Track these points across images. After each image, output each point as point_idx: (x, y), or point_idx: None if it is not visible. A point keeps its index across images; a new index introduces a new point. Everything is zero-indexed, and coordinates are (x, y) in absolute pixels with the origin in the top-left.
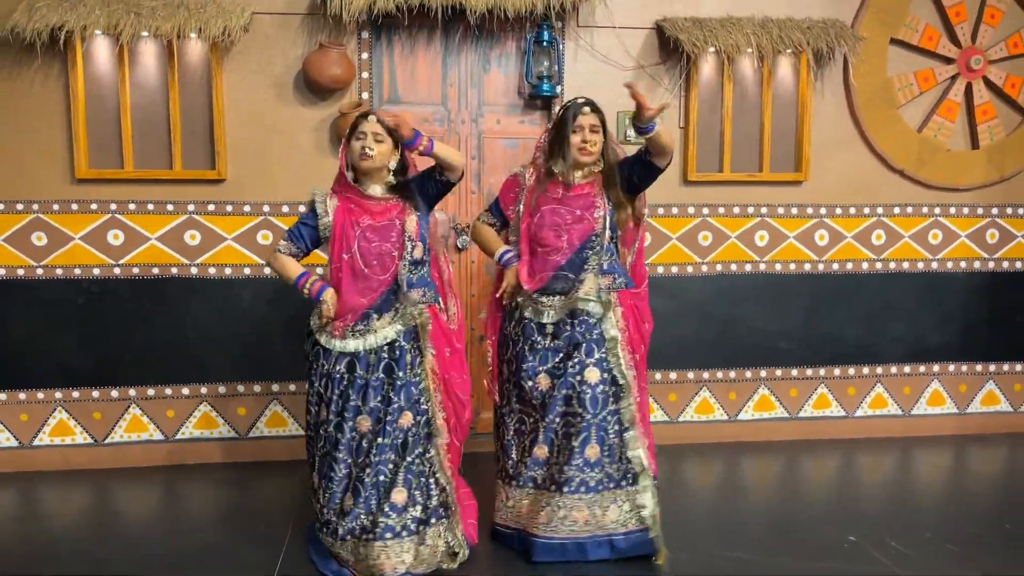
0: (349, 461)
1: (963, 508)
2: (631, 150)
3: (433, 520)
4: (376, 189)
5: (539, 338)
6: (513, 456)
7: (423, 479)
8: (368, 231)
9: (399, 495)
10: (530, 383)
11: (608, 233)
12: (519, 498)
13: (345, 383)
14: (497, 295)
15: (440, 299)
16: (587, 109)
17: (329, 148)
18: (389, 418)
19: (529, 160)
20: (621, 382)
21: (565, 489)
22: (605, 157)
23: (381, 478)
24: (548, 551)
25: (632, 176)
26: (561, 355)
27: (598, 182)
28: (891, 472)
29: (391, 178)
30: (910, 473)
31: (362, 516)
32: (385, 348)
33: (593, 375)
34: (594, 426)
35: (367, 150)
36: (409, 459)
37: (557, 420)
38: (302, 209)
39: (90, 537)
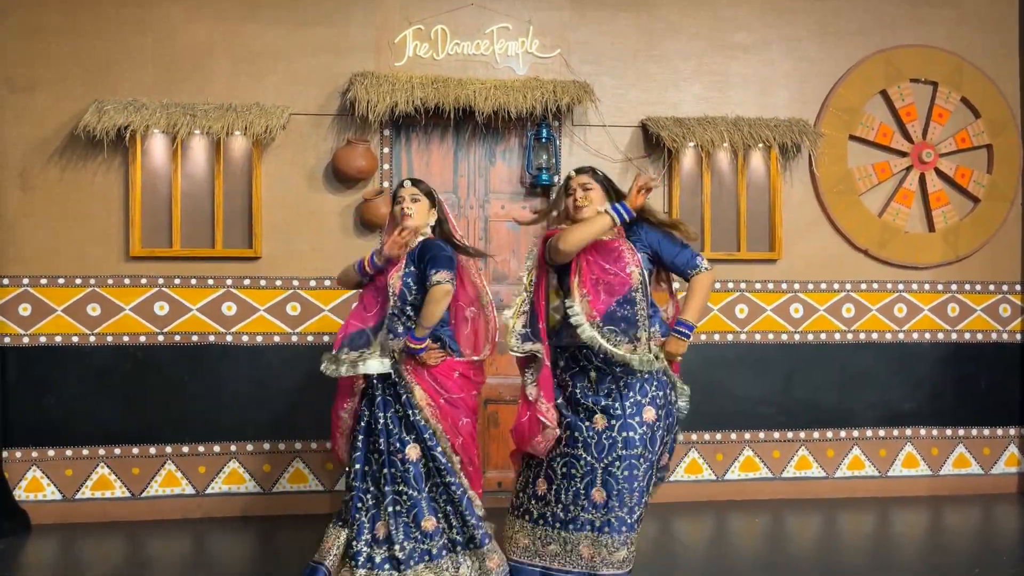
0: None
1: (936, 558)
2: None
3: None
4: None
5: None
6: None
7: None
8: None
9: None
10: None
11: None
12: None
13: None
14: None
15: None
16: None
17: (353, 230)
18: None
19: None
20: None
21: None
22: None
23: None
24: None
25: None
26: None
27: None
28: (869, 529)
29: (427, 231)
30: (887, 530)
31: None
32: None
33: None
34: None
35: (406, 210)
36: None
37: None
38: (328, 283)
39: None
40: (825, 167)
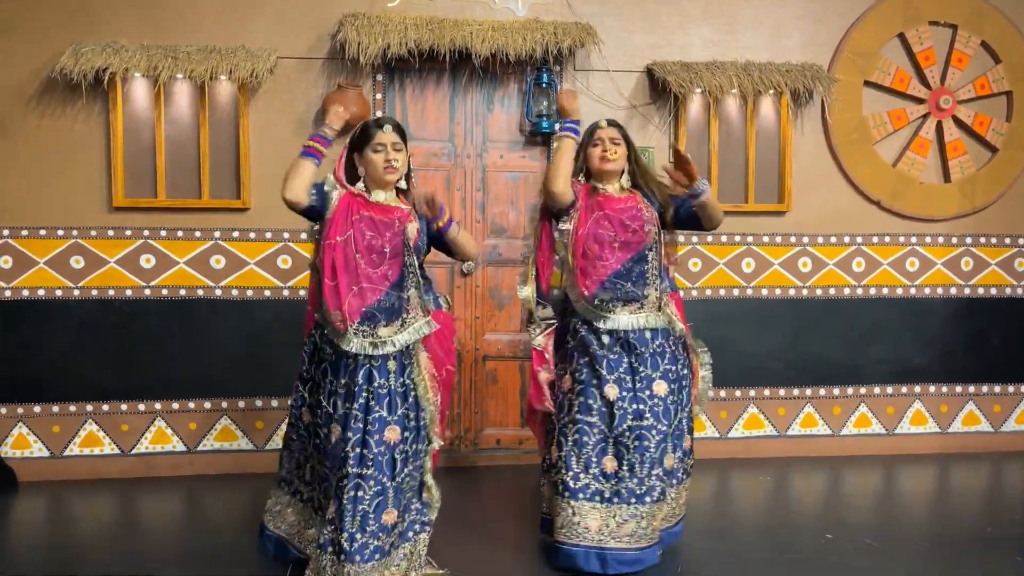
0: None
1: (943, 517)
2: None
3: None
4: (380, 195)
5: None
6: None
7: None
8: (366, 222)
9: None
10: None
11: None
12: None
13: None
14: None
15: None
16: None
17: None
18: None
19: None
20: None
21: None
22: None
23: None
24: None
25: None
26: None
27: None
28: (875, 487)
29: (402, 183)
30: (893, 488)
31: None
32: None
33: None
34: None
35: (392, 163)
36: None
37: None
38: None
39: (115, 540)
40: (838, 114)
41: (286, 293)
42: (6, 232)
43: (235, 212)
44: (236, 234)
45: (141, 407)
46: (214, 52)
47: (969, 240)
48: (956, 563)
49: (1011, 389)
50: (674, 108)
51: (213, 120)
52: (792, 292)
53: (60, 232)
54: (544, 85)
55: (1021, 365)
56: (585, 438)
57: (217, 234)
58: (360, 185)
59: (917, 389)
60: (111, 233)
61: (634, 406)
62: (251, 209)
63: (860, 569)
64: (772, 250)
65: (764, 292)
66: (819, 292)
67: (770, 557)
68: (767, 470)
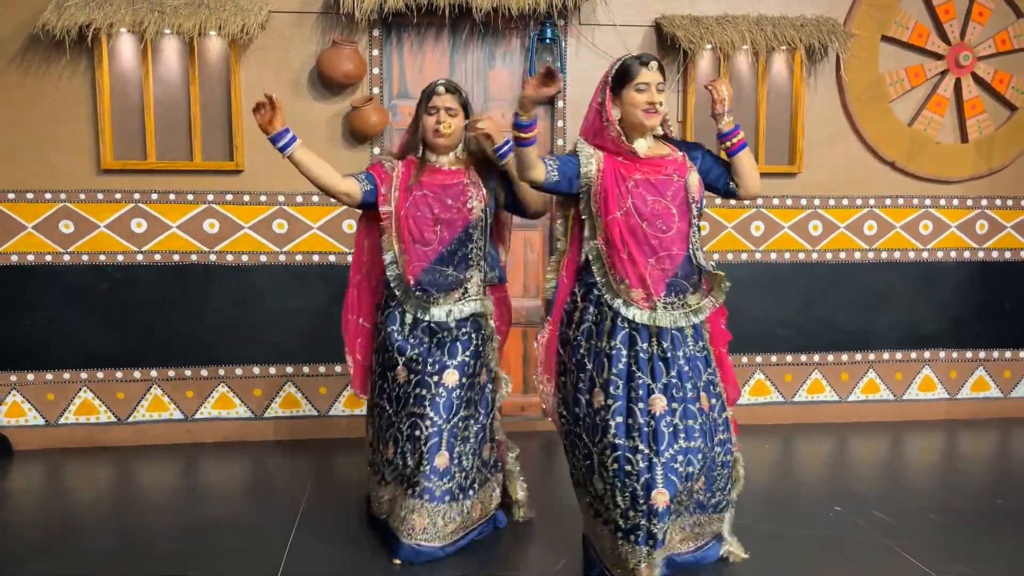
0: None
1: (951, 485)
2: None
3: None
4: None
5: None
6: None
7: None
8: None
9: None
10: None
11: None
12: None
13: None
14: None
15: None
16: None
17: (341, 141)
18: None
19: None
20: None
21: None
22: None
23: None
24: None
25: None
26: None
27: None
28: (882, 453)
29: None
30: (901, 455)
31: None
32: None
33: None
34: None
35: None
36: None
37: None
38: (315, 199)
39: (113, 509)
40: (854, 72)
41: (282, 258)
42: None
43: (228, 174)
44: (230, 197)
45: (137, 374)
46: (202, 6)
47: (984, 202)
48: (967, 538)
49: (1022, 355)
50: (683, 65)
51: (203, 78)
52: (802, 256)
53: (48, 196)
54: (548, 41)
55: None
56: (380, 421)
57: (210, 197)
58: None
59: (927, 355)
60: (100, 196)
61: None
62: (244, 171)
63: (869, 545)
64: (782, 213)
65: (773, 256)
66: (829, 256)
67: (776, 531)
68: (772, 437)
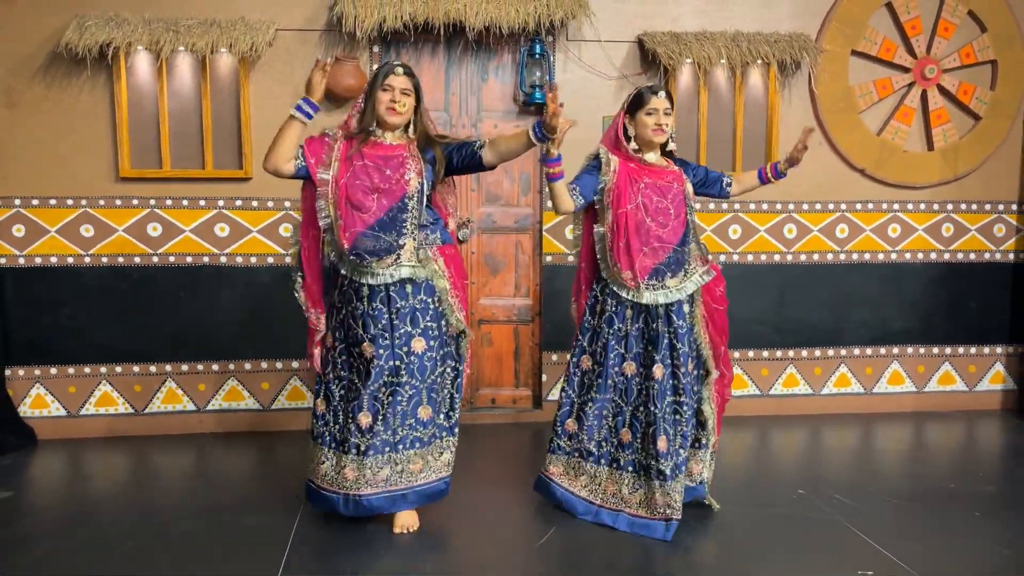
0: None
1: (912, 474)
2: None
3: None
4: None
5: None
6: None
7: None
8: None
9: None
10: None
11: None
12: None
13: None
14: None
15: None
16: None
17: None
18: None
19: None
20: None
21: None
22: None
23: None
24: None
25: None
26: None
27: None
28: (851, 444)
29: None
30: (869, 445)
31: None
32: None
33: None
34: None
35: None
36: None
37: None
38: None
39: (131, 494)
40: (825, 84)
41: (288, 260)
42: (18, 201)
43: (237, 182)
44: (239, 203)
45: (152, 369)
46: (214, 25)
47: (950, 207)
48: (918, 517)
49: (987, 350)
50: (664, 79)
51: (215, 92)
52: (777, 258)
53: (69, 202)
54: (537, 56)
55: (997, 327)
56: (342, 392)
57: (221, 203)
58: (633, 146)
59: (896, 351)
60: (119, 202)
61: (391, 362)
62: (253, 179)
63: (826, 524)
64: (758, 217)
65: (750, 258)
66: (803, 258)
67: (742, 510)
68: (749, 428)
